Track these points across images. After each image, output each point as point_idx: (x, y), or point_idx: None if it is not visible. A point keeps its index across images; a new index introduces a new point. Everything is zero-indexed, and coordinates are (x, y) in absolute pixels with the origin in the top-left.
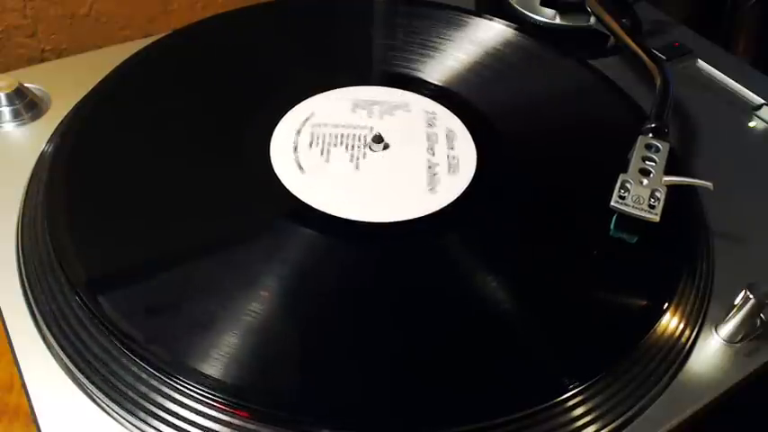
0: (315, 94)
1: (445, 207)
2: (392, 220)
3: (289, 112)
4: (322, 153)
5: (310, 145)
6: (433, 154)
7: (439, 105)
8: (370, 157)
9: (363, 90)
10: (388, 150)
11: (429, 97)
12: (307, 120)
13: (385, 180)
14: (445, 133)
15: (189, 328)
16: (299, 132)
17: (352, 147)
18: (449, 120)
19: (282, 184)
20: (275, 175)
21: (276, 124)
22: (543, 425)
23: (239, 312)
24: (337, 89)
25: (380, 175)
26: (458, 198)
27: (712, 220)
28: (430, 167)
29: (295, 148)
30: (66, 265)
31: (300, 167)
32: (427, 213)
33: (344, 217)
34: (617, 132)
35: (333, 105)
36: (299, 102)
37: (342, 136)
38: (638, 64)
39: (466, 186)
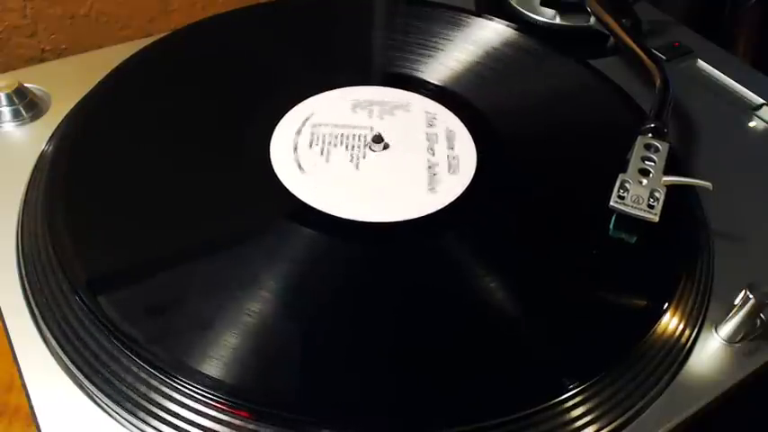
0: (315, 93)
1: (445, 207)
2: (392, 220)
3: (289, 112)
4: (322, 153)
5: (310, 145)
6: (433, 154)
7: (439, 105)
8: (370, 157)
9: (363, 90)
10: (388, 150)
11: (429, 97)
12: (307, 120)
13: (385, 180)
14: (445, 133)
15: (189, 328)
16: (299, 132)
17: (352, 147)
18: (449, 120)
19: (282, 184)
20: (275, 175)
21: (276, 124)
22: (543, 425)
23: (239, 312)
24: (337, 89)
25: (380, 175)
26: (458, 198)
27: (712, 220)
28: (430, 167)
29: (295, 148)
30: (66, 265)
31: (300, 167)
32: (427, 213)
33: (344, 217)
34: (616, 132)
35: (333, 105)
36: (299, 101)
37: (342, 136)
38: (637, 64)
39: (466, 186)
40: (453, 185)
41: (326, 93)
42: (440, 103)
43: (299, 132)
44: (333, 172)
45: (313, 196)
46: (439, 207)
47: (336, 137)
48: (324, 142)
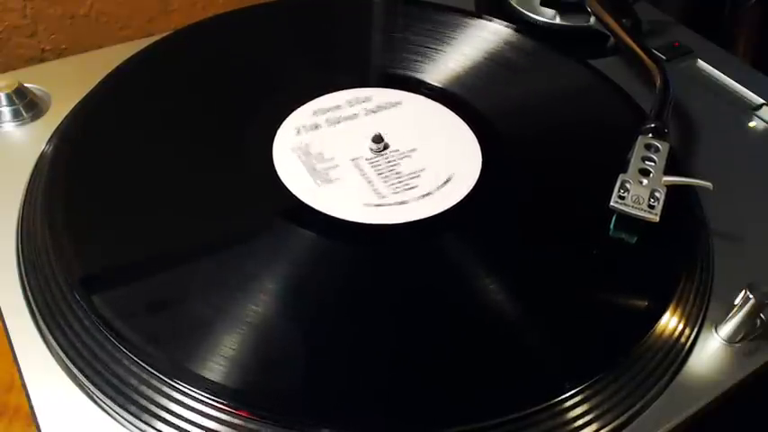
0: (315, 93)
1: (446, 210)
2: (392, 222)
3: (293, 113)
4: (323, 153)
5: (312, 144)
6: (435, 156)
7: (444, 108)
8: (370, 157)
9: (367, 91)
10: (389, 152)
11: (430, 98)
12: (310, 119)
13: (387, 182)
14: (449, 136)
15: (189, 328)
16: (300, 132)
17: (353, 147)
18: (453, 122)
19: (283, 183)
20: (277, 175)
21: (277, 124)
22: (543, 425)
23: (239, 313)
24: (341, 90)
25: (381, 176)
26: (459, 201)
27: (712, 220)
28: (430, 169)
29: (297, 148)
30: (65, 265)
31: (302, 166)
32: (427, 216)
33: (344, 218)
34: (617, 132)
35: (336, 105)
36: (299, 101)
37: (344, 135)
38: (637, 64)
39: (468, 191)
40: (454, 188)
41: (331, 94)
42: (444, 105)
43: (301, 132)
44: (333, 172)
45: (312, 196)
46: (439, 210)
47: (338, 137)
48: (326, 142)
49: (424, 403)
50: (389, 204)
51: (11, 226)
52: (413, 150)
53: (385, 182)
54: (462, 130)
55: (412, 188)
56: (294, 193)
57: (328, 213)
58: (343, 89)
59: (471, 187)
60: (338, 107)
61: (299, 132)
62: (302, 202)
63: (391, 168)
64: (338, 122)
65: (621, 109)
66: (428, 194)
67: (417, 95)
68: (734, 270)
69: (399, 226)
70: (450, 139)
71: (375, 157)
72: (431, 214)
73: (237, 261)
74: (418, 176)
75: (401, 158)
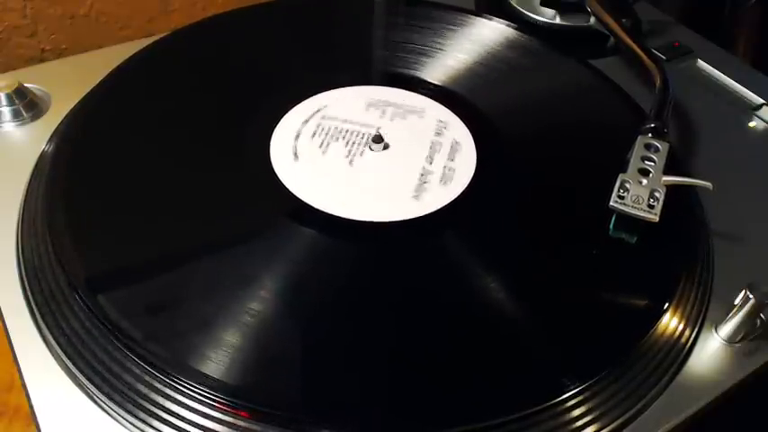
0: (315, 93)
1: (443, 207)
2: (386, 220)
3: (291, 111)
4: (321, 145)
5: (313, 135)
6: (431, 162)
7: (453, 115)
8: (367, 155)
9: (381, 90)
10: (386, 152)
11: (430, 97)
12: (317, 111)
13: (373, 180)
14: (450, 144)
15: (189, 327)
16: (306, 122)
17: (353, 143)
18: (459, 131)
19: (281, 182)
20: (275, 173)
21: (275, 125)
22: (543, 425)
23: (239, 312)
24: (341, 89)
25: (370, 174)
26: (455, 198)
27: (712, 220)
28: (422, 175)
29: (297, 137)
30: (66, 265)
31: (296, 156)
32: (424, 213)
33: (322, 209)
34: (617, 132)
35: (347, 101)
36: (299, 101)
37: (346, 132)
38: (638, 64)
39: (463, 188)
40: (441, 196)
41: (343, 89)
42: (446, 105)
43: (306, 122)
44: (325, 164)
45: (298, 185)
46: (436, 208)
47: (340, 131)
48: (327, 135)
49: (424, 403)
50: (370, 202)
51: (11, 226)
52: (411, 155)
53: (372, 181)
54: (466, 141)
55: (396, 191)
56: (293, 191)
57: (328, 212)
58: (342, 87)
59: (466, 185)
60: (352, 103)
61: (305, 122)
62: (302, 201)
63: (383, 169)
64: (347, 117)
65: (621, 109)
66: (410, 199)
67: (433, 101)
68: (734, 270)
69: (395, 224)
70: (453, 150)
71: (371, 155)
72: (428, 212)
73: (237, 259)
74: (406, 181)
75: (397, 161)
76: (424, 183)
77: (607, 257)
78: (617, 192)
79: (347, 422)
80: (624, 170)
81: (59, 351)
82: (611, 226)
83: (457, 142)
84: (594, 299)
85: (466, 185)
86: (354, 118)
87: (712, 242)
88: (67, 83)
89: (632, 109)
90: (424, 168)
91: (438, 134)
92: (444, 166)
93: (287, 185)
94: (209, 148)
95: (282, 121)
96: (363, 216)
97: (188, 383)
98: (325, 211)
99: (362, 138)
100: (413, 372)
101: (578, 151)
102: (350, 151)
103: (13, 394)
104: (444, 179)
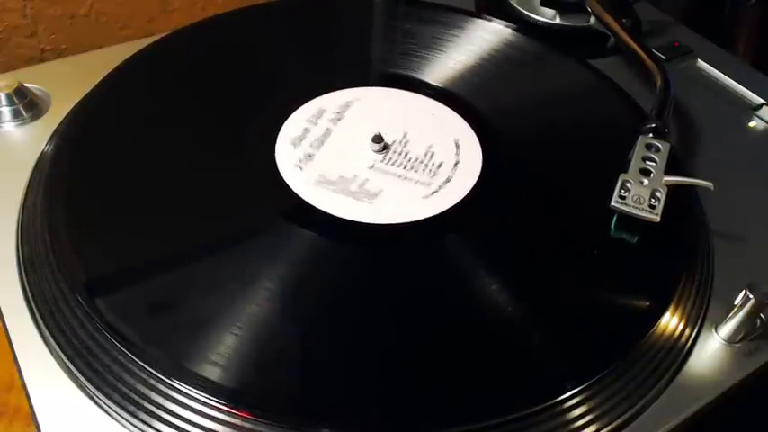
0: (316, 93)
1: (445, 210)
2: (388, 222)
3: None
4: (323, 144)
5: (318, 135)
6: (439, 166)
7: (469, 129)
8: (369, 155)
9: (405, 94)
10: (396, 153)
11: (431, 97)
12: (311, 118)
13: (379, 182)
14: (456, 147)
15: (188, 328)
16: (314, 122)
17: (362, 144)
18: (468, 141)
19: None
20: (279, 174)
21: (277, 124)
22: (543, 425)
23: (238, 313)
24: (341, 90)
25: (382, 175)
26: (459, 201)
27: (712, 220)
28: (428, 177)
29: (303, 136)
30: (65, 265)
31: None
32: (427, 216)
33: (342, 216)
34: (617, 132)
35: (335, 103)
36: (300, 101)
37: (359, 132)
38: (638, 64)
39: (468, 191)
40: (454, 189)
41: (334, 93)
42: (447, 106)
43: (314, 122)
44: (336, 165)
45: (310, 191)
46: (439, 210)
47: (353, 132)
48: (333, 135)
49: (424, 403)
50: (379, 204)
51: (11, 226)
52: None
53: (382, 182)
54: (473, 148)
55: (406, 193)
56: (296, 191)
57: (328, 212)
58: (342, 89)
59: (471, 187)
60: (338, 105)
61: (313, 122)
62: (303, 201)
63: (395, 171)
64: (339, 120)
65: (621, 109)
66: (424, 198)
67: (457, 114)
68: (734, 270)
69: (398, 226)
70: (460, 148)
71: (378, 156)
72: (431, 214)
73: (237, 261)
74: (419, 182)
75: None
76: (429, 185)
77: (608, 257)
78: (618, 192)
79: (346, 424)
80: (625, 170)
81: (59, 351)
82: (612, 226)
83: (463, 146)
84: (595, 299)
85: (469, 189)
86: (370, 119)
87: (712, 242)
88: (67, 83)
89: (633, 109)
90: (429, 171)
91: (447, 138)
92: (449, 170)
93: (290, 184)
94: (208, 149)
95: (285, 122)
96: (366, 218)
97: (188, 384)
98: (327, 211)
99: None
100: (412, 372)
101: (579, 152)
102: (356, 151)
103: (13, 394)
104: (449, 182)
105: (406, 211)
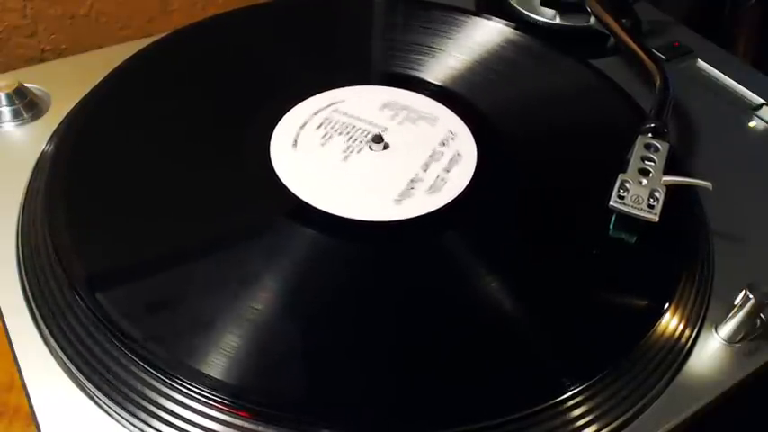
0: (315, 92)
1: (444, 205)
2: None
3: (292, 111)
4: (323, 137)
5: (318, 127)
6: (426, 170)
7: (465, 127)
8: (364, 154)
9: (399, 92)
10: (385, 153)
11: (429, 97)
12: (310, 118)
13: (361, 179)
14: (451, 156)
15: (189, 327)
16: (316, 113)
17: (354, 140)
18: (465, 144)
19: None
20: (274, 172)
21: (276, 124)
22: (543, 425)
23: (239, 311)
24: (340, 89)
25: (361, 172)
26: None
27: (712, 220)
28: (412, 181)
29: (303, 125)
30: (66, 265)
31: (295, 145)
32: (426, 213)
33: (306, 200)
34: (616, 132)
35: (364, 99)
36: (299, 100)
37: (352, 128)
38: (637, 64)
39: (462, 188)
40: (452, 186)
41: (332, 91)
42: (446, 105)
43: (316, 113)
44: (320, 156)
45: (289, 174)
46: (438, 206)
47: (346, 126)
48: (332, 128)
49: (424, 402)
50: (351, 199)
51: (11, 226)
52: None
53: (360, 179)
54: (468, 155)
55: (380, 192)
56: (293, 191)
57: (327, 211)
58: (342, 87)
59: (465, 185)
60: (368, 102)
61: (316, 112)
62: (301, 200)
63: (374, 169)
64: (359, 114)
65: (621, 109)
66: (391, 202)
67: (449, 110)
68: (734, 270)
69: (395, 223)
70: (452, 162)
71: (368, 154)
72: (429, 210)
73: (238, 259)
74: (393, 184)
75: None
76: (411, 189)
77: (607, 257)
78: (617, 192)
79: (347, 423)
80: (624, 170)
81: (59, 351)
82: (611, 226)
83: (459, 154)
84: (595, 299)
85: (465, 185)
86: (365, 116)
87: (712, 242)
88: (67, 83)
89: (632, 109)
90: (416, 175)
91: (443, 144)
92: (437, 176)
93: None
94: (208, 149)
95: (283, 119)
96: (338, 211)
97: (188, 383)
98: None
99: (366, 136)
100: (412, 371)
101: (578, 151)
102: (348, 147)
103: (13, 394)
104: (433, 188)
105: (403, 209)
